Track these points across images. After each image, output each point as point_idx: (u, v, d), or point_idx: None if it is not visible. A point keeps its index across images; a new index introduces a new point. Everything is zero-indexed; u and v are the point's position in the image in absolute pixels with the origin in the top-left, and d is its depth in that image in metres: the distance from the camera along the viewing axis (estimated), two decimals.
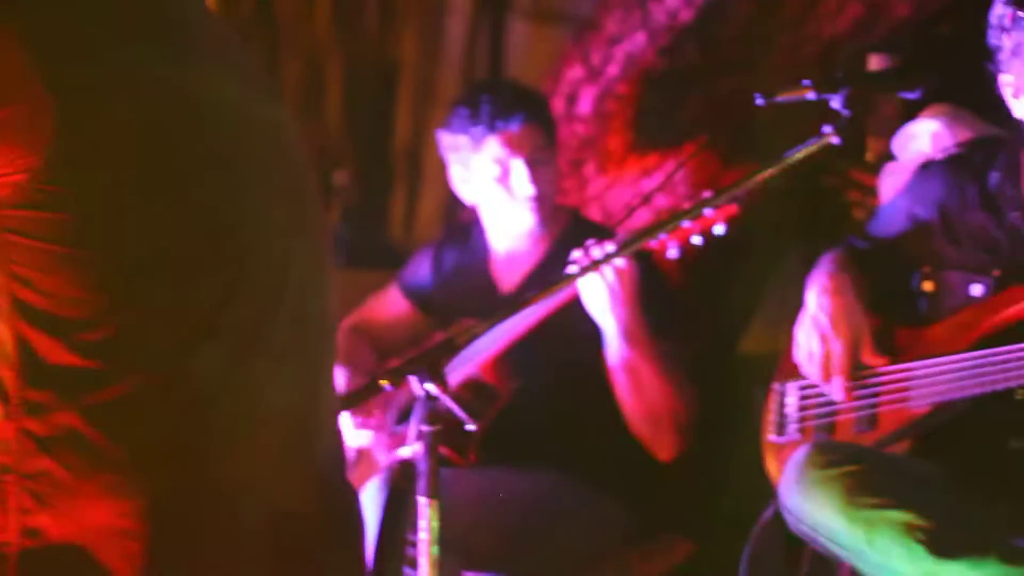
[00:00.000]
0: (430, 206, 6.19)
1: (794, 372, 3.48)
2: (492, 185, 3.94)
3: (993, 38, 3.29)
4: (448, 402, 3.72)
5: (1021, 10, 3.20)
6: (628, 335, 3.72)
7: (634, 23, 4.55)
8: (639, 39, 4.58)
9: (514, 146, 3.90)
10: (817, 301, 3.42)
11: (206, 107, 2.12)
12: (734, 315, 4.55)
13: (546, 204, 3.98)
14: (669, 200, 4.68)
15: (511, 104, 3.93)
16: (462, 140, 3.97)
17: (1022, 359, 3.12)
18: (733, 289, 4.55)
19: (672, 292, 4.00)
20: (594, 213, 4.82)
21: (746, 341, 4.53)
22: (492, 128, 3.89)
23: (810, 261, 3.58)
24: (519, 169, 3.90)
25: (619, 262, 3.63)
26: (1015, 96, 3.28)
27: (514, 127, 3.89)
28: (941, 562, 2.94)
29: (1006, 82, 3.29)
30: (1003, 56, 3.27)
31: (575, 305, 3.72)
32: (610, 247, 3.59)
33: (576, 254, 3.64)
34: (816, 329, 3.39)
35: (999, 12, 3.27)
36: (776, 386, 3.58)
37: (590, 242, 3.66)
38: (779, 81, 3.93)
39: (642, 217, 4.61)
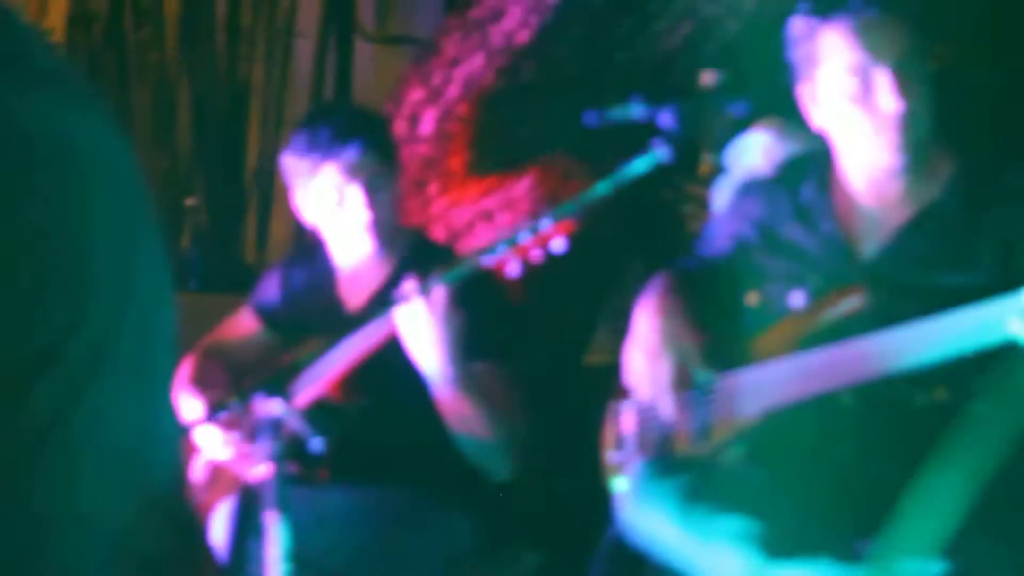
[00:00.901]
0: (282, 228, 6.15)
1: (630, 388, 3.49)
2: (332, 209, 3.91)
3: (791, 51, 3.34)
4: (295, 421, 3.71)
5: (814, 17, 3.25)
6: (447, 378, 3.69)
7: (473, 45, 4.54)
8: (477, 61, 4.57)
9: (351, 173, 3.85)
10: (646, 321, 3.43)
11: (41, 134, 2.07)
12: (574, 330, 4.56)
13: (385, 229, 3.93)
14: (511, 218, 4.67)
15: (348, 130, 3.87)
16: (301, 165, 3.92)
17: (842, 363, 3.18)
18: (572, 304, 4.55)
19: (512, 311, 3.98)
20: (438, 233, 4.79)
21: (590, 354, 4.54)
22: (329, 155, 3.85)
23: (648, 274, 3.59)
24: (355, 196, 3.87)
25: (437, 302, 3.60)
26: (811, 105, 3.33)
27: (351, 154, 3.84)
28: (776, 566, 2.97)
29: (804, 92, 3.34)
30: (799, 65, 3.32)
31: None
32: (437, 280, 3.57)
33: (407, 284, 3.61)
34: (645, 348, 3.40)
35: (795, 22, 3.32)
36: (614, 402, 3.59)
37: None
38: (614, 98, 3.95)
39: (485, 235, 4.60)
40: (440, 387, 3.68)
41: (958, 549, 2.96)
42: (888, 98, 3.17)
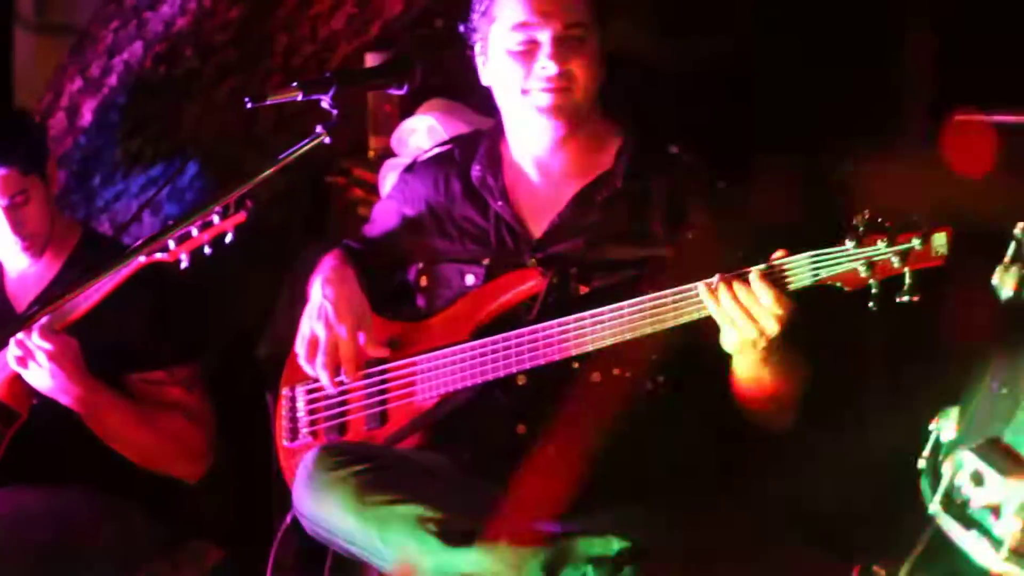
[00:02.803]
0: None
1: (302, 375, 3.37)
2: None
3: (471, 11, 3.28)
4: None
5: None
6: (91, 407, 3.64)
7: (130, 32, 4.35)
8: (136, 48, 4.39)
9: None
10: (320, 291, 3.31)
11: None
12: (249, 320, 4.40)
13: (39, 239, 3.80)
14: (178, 208, 4.52)
15: None
16: None
17: (519, 345, 3.10)
18: (246, 293, 4.41)
19: (189, 310, 3.84)
20: (103, 226, 4.61)
21: (266, 343, 4.39)
22: None
23: (319, 260, 3.47)
24: None
25: (44, 344, 3.52)
26: (484, 65, 3.28)
27: None
28: (454, 551, 2.87)
29: (478, 52, 3.28)
30: (475, 24, 3.26)
31: (94, 321, 3.54)
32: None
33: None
34: (320, 317, 3.28)
35: None
36: (285, 391, 3.47)
37: None
38: (280, 82, 3.81)
39: (152, 227, 4.44)
40: (99, 420, 3.65)
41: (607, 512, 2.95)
42: (546, 61, 3.14)
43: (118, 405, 3.67)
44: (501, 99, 3.28)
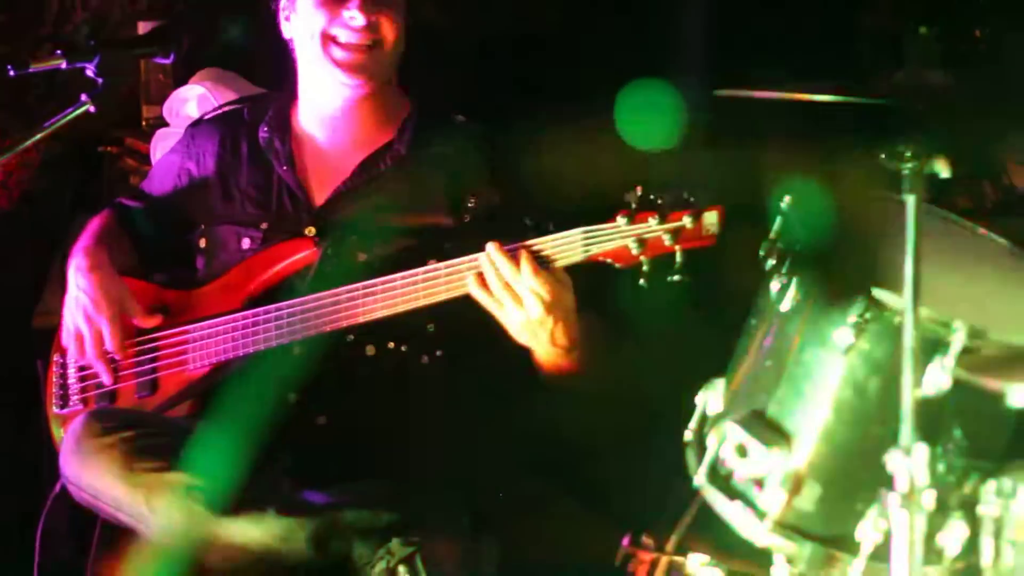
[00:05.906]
0: None
1: None
2: None
3: None
4: None
5: None
6: None
7: None
8: None
9: None
10: (75, 281, 3.08)
11: None
12: (21, 289, 4.16)
13: None
14: None
15: None
16: None
17: (291, 316, 2.91)
18: (16, 262, 4.16)
19: None
20: None
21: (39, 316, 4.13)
22: None
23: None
24: None
25: None
26: (287, 20, 3.10)
27: None
28: (221, 521, 2.67)
29: (281, 7, 3.10)
30: None
31: None
32: None
33: None
34: (79, 310, 3.06)
35: None
36: (56, 358, 3.22)
37: None
38: (50, 50, 3.57)
39: None
40: None
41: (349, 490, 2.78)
42: (355, 11, 2.97)
43: None
44: (301, 52, 3.08)
